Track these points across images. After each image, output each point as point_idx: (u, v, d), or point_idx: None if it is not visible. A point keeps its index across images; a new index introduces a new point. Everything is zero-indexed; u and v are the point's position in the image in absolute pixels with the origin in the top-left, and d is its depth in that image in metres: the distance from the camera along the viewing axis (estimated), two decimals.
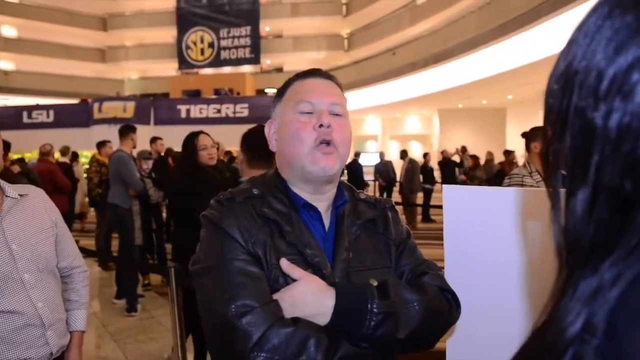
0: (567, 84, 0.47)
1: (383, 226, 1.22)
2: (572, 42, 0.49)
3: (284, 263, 1.05)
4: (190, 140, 3.48)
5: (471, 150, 14.50)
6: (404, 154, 12.13)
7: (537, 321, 0.51)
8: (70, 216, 7.30)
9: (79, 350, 1.86)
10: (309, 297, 1.01)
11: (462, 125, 22.62)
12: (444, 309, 1.12)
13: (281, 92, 1.22)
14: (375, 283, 1.08)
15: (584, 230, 0.45)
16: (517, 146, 15.23)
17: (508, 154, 10.75)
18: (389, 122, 26.80)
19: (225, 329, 0.98)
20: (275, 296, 1.02)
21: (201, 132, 3.56)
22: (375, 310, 1.01)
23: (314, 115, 1.13)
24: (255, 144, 2.69)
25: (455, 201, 1.37)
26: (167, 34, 27.52)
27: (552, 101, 0.49)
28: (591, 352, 0.41)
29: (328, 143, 1.12)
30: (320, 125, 1.11)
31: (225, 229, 1.07)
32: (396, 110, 24.11)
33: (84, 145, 15.05)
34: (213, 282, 1.04)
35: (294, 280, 1.04)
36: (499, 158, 12.76)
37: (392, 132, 27.04)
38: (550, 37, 11.86)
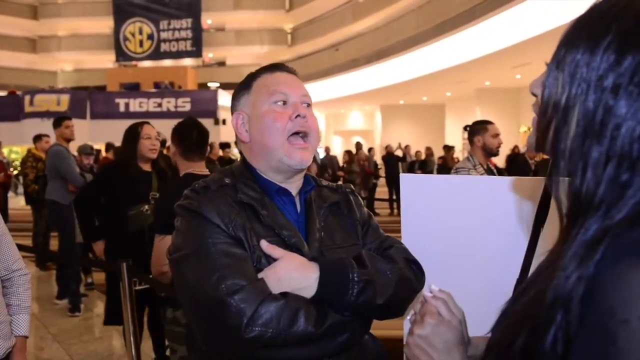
0: (577, 68, 0.57)
1: (347, 208, 1.32)
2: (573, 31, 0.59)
3: (264, 244, 1.11)
4: (134, 129, 3.33)
5: (413, 146, 14.89)
6: (355, 147, 12.37)
7: (531, 279, 0.58)
8: (3, 214, 6.91)
9: (23, 356, 1.84)
10: (294, 273, 1.08)
11: (403, 121, 23.18)
12: (412, 277, 1.23)
13: (247, 84, 1.27)
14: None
15: (594, 187, 0.54)
16: (456, 141, 15.85)
17: (448, 149, 11.12)
18: (332, 117, 27.03)
19: (217, 307, 1.02)
20: (261, 274, 1.08)
21: (146, 122, 3.43)
22: (356, 279, 1.10)
23: (288, 106, 1.20)
24: (188, 137, 2.61)
25: (412, 189, 1.45)
26: (103, 24, 26.40)
27: (559, 82, 0.58)
28: (577, 302, 0.50)
29: (304, 136, 1.20)
30: (297, 116, 1.18)
31: (204, 215, 1.11)
32: (339, 105, 24.37)
33: (14, 140, 14.28)
34: (199, 266, 1.07)
35: (275, 260, 1.10)
36: (438, 153, 13.19)
37: (335, 128, 27.31)
38: (485, 38, 12.37)
